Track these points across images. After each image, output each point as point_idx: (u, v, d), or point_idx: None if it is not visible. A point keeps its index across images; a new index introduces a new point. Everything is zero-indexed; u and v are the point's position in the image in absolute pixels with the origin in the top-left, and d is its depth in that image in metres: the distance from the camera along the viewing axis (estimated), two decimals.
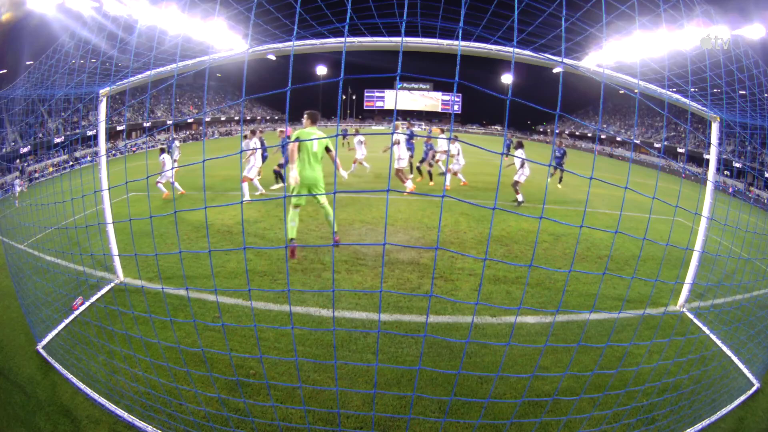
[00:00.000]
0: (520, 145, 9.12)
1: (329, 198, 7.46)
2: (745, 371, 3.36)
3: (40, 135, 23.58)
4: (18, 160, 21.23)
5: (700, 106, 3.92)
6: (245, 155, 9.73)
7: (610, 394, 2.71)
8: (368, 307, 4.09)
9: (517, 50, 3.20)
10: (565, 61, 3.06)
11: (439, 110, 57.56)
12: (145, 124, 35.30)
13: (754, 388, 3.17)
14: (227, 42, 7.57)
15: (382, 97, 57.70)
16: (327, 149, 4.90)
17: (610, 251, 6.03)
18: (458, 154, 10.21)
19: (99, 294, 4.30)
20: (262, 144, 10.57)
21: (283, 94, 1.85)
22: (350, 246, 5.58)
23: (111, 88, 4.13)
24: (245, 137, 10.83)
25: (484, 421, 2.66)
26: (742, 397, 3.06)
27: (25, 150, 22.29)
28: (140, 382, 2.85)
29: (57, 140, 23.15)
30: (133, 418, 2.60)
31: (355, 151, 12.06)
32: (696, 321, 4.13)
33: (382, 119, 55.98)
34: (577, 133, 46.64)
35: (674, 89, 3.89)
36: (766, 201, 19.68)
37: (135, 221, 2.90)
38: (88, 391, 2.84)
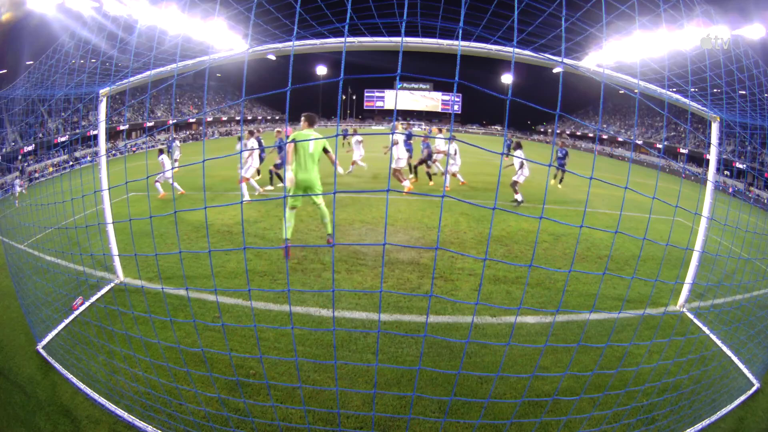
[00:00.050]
0: (518, 146, 9.11)
1: (327, 199, 7.47)
2: (745, 371, 3.36)
3: (40, 135, 23.58)
4: (18, 160, 21.24)
5: (700, 106, 3.92)
6: (243, 156, 9.77)
7: (610, 394, 2.71)
8: (368, 307, 4.09)
9: (517, 50, 3.20)
10: (565, 61, 3.06)
11: (439, 110, 57.55)
12: (148, 124, 35.33)
13: (754, 388, 3.17)
14: (227, 42, 7.58)
15: (382, 97, 57.69)
16: (325, 150, 4.90)
17: (610, 251, 6.03)
18: (455, 154, 10.16)
19: (99, 294, 4.30)
20: (260, 144, 10.59)
21: (283, 94, 1.85)
22: (350, 246, 5.58)
23: (111, 88, 4.13)
24: (240, 138, 10.84)
25: (484, 421, 2.66)
26: (742, 397, 3.06)
27: (30, 149, 22.32)
28: (140, 382, 2.85)
29: (61, 139, 23.15)
30: (133, 418, 2.60)
31: (353, 151, 12.07)
32: (696, 321, 4.13)
33: (382, 119, 55.97)
34: (578, 134, 46.62)
35: (674, 89, 3.89)
36: (766, 201, 19.68)
37: (135, 221, 2.90)
38: (88, 391, 2.84)
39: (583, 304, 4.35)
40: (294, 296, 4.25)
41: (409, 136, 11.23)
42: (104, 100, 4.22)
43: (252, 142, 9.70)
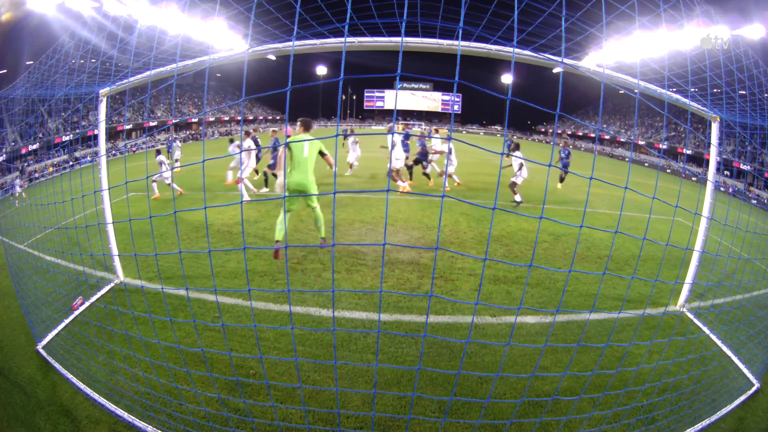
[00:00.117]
0: (517, 147, 9.11)
1: (327, 199, 7.47)
2: (745, 371, 3.36)
3: (41, 135, 23.59)
4: (18, 160, 21.24)
5: (700, 106, 3.92)
6: (241, 157, 9.80)
7: (610, 394, 2.71)
8: (368, 307, 4.09)
9: (517, 50, 3.20)
10: (565, 61, 3.06)
11: (439, 110, 57.54)
12: (151, 123, 35.38)
13: (754, 388, 3.17)
14: (227, 42, 7.58)
15: (382, 97, 57.68)
16: (321, 153, 4.92)
17: (610, 251, 6.03)
18: (451, 154, 10.09)
19: (99, 294, 4.30)
20: (257, 144, 10.61)
21: (283, 94, 1.85)
22: (350, 246, 5.58)
23: (111, 88, 4.13)
24: (231, 140, 10.88)
25: (484, 421, 2.66)
26: (742, 397, 3.06)
27: (33, 147, 22.33)
28: (140, 382, 2.85)
29: (65, 138, 23.14)
30: (133, 418, 2.60)
31: (349, 152, 12.03)
32: (696, 321, 4.13)
33: (382, 119, 55.94)
34: (579, 134, 46.61)
35: (674, 89, 3.89)
36: (766, 201, 19.68)
37: (135, 221, 2.90)
38: (88, 391, 2.84)
39: (583, 304, 4.35)
40: (294, 296, 4.25)
41: (406, 137, 11.19)
42: (104, 100, 4.22)
43: (248, 143, 9.71)
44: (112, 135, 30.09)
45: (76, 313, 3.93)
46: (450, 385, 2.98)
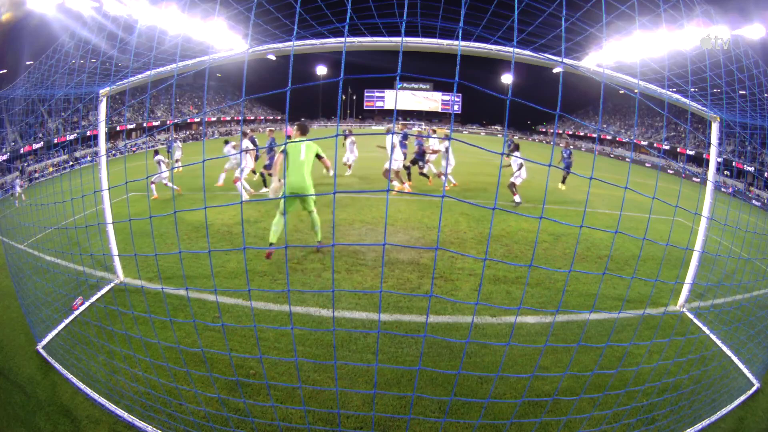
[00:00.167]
0: (516, 148, 9.10)
1: (327, 199, 7.47)
2: (745, 371, 3.36)
3: (41, 135, 23.59)
4: (19, 160, 21.25)
5: (700, 106, 3.92)
6: (237, 157, 9.86)
7: (610, 394, 2.71)
8: (368, 307, 4.09)
9: (517, 50, 3.20)
10: (565, 61, 3.06)
11: (439, 110, 57.55)
12: (153, 123, 35.43)
13: (754, 388, 3.17)
14: (227, 42, 7.58)
15: (382, 97, 57.70)
16: (318, 156, 4.96)
17: (610, 251, 6.03)
18: (447, 152, 9.99)
19: (99, 294, 4.30)
20: (255, 144, 10.65)
21: (283, 94, 1.85)
22: (350, 246, 5.58)
23: (111, 88, 4.13)
24: (226, 142, 10.91)
25: (484, 421, 2.66)
26: (742, 397, 3.06)
27: (37, 146, 22.33)
28: (140, 382, 2.85)
29: (70, 137, 23.15)
30: (133, 418, 2.60)
31: (346, 153, 12.00)
32: (696, 321, 4.13)
33: (382, 119, 55.98)
34: (580, 134, 46.58)
35: (674, 89, 3.89)
36: (766, 201, 19.68)
37: (135, 221, 2.90)
38: (88, 391, 2.84)
39: (583, 304, 4.35)
40: (294, 296, 4.25)
41: (404, 137, 11.17)
42: (104, 100, 4.22)
43: (246, 144, 9.73)
44: (112, 135, 30.13)
45: (76, 313, 3.93)
46: (450, 385, 2.98)
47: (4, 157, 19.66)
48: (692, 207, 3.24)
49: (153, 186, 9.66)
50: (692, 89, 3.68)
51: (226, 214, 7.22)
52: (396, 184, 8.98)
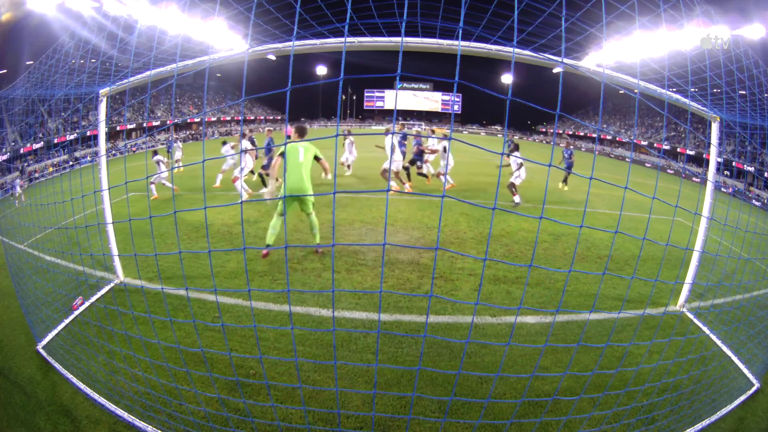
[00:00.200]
0: (516, 148, 9.10)
1: (327, 199, 7.47)
2: (745, 371, 3.36)
3: (41, 135, 23.60)
4: (19, 160, 21.26)
5: (700, 106, 3.92)
6: (236, 157, 9.92)
7: (610, 394, 2.71)
8: (368, 307, 4.09)
9: (517, 50, 3.20)
10: (565, 61, 3.06)
11: (439, 110, 57.57)
12: (153, 123, 35.46)
13: (754, 388, 3.17)
14: (227, 42, 7.58)
15: (382, 97, 57.72)
16: (317, 158, 4.98)
17: (610, 251, 6.03)
18: (444, 152, 9.92)
19: (99, 294, 4.30)
20: (253, 144, 10.68)
21: (283, 94, 1.85)
22: (350, 246, 5.58)
23: (111, 88, 4.13)
24: (224, 142, 10.95)
25: (484, 421, 2.66)
26: (742, 397, 3.06)
27: (38, 146, 22.35)
28: (140, 382, 2.85)
29: (70, 137, 23.18)
30: (133, 418, 2.60)
31: (344, 153, 11.98)
32: (696, 321, 4.13)
33: (382, 119, 55.99)
34: (580, 134, 46.57)
35: (674, 89, 3.89)
36: (766, 201, 19.69)
37: (135, 221, 2.90)
38: (88, 391, 2.84)
39: (583, 304, 4.35)
40: (294, 296, 4.25)
41: (403, 137, 11.16)
42: (104, 100, 4.22)
43: (245, 144, 9.76)
44: (112, 135, 30.14)
45: (76, 313, 3.93)
46: (450, 385, 2.98)
47: (5, 157, 19.68)
48: (692, 207, 3.24)
49: (152, 186, 9.67)
50: (692, 89, 3.68)
51: (226, 214, 7.22)
52: (393, 184, 9.01)
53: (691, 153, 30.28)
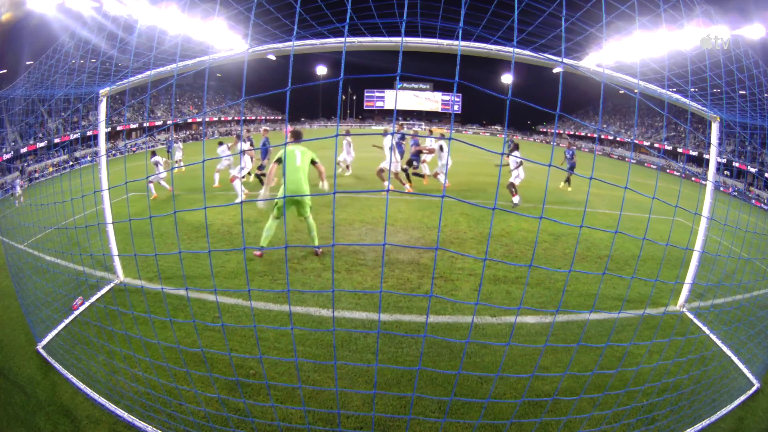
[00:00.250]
0: (516, 148, 9.09)
1: (327, 199, 7.47)
2: (745, 371, 3.36)
3: (41, 135, 23.60)
4: (19, 160, 21.26)
5: (700, 106, 3.92)
6: (235, 157, 9.98)
7: (610, 394, 2.71)
8: (368, 307, 4.09)
9: (517, 50, 3.20)
10: (565, 61, 3.06)
11: (439, 110, 57.57)
12: (156, 123, 35.52)
13: (754, 388, 3.17)
14: (227, 42, 7.58)
15: (382, 97, 57.72)
16: (313, 162, 5.04)
17: (610, 251, 6.03)
18: (441, 151, 9.75)
19: (99, 294, 4.30)
20: (252, 145, 10.71)
21: (283, 94, 1.85)
22: (350, 246, 5.58)
23: (111, 88, 4.13)
24: (220, 143, 10.98)
25: (484, 421, 2.66)
26: (742, 397, 3.06)
27: (41, 145, 22.36)
28: (140, 382, 2.85)
29: (73, 136, 23.18)
30: (133, 418, 2.60)
31: (342, 152, 11.96)
32: (696, 321, 4.13)
33: (382, 119, 55.98)
34: (581, 134, 46.54)
35: (674, 89, 3.89)
36: (766, 201, 19.69)
37: (135, 221, 2.90)
38: (88, 391, 2.84)
39: (583, 304, 4.35)
40: (294, 296, 4.25)
41: (402, 137, 11.14)
42: (104, 100, 4.22)
43: (243, 145, 9.80)
44: (112, 135, 30.16)
45: (76, 313, 3.93)
46: (450, 385, 2.98)
47: (8, 156, 19.69)
48: (692, 207, 3.24)
49: (151, 185, 9.69)
50: (692, 89, 3.68)
51: (226, 215, 7.22)
52: (386, 184, 9.07)
53: (694, 154, 30.21)
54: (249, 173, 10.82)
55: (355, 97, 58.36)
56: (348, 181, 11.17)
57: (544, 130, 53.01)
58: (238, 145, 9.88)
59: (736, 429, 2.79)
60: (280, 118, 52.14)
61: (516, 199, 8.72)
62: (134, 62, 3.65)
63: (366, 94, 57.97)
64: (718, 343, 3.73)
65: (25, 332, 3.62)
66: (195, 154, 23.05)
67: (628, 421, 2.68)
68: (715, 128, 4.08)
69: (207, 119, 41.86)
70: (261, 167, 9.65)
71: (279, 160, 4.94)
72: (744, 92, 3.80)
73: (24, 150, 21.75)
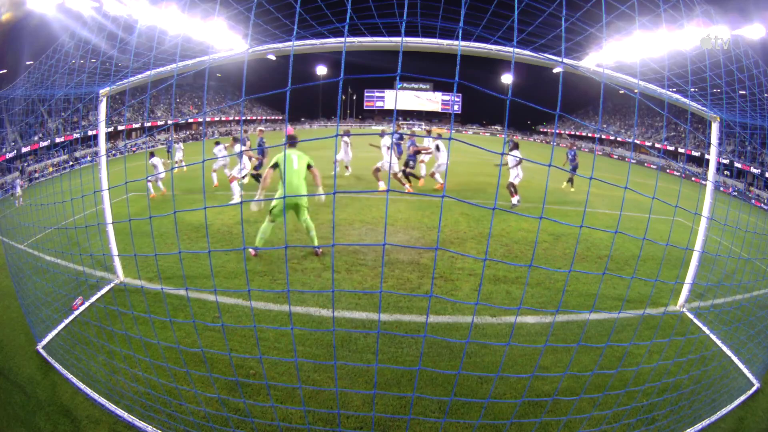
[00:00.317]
0: (516, 146, 9.08)
1: (327, 200, 7.47)
2: (745, 371, 3.36)
3: (41, 135, 23.60)
4: (19, 160, 21.27)
5: (700, 106, 3.92)
6: (221, 160, 10.04)
7: (610, 394, 2.71)
8: (368, 307, 4.09)
9: (517, 50, 3.20)
10: (565, 61, 3.06)
11: (439, 110, 57.57)
12: (158, 123, 35.56)
13: (754, 388, 3.17)
14: (227, 42, 7.58)
15: (382, 97, 57.72)
16: (309, 166, 5.09)
17: (610, 251, 6.03)
18: (438, 151, 9.75)
19: (99, 294, 4.30)
20: (248, 145, 10.73)
21: (283, 94, 1.85)
22: (350, 246, 5.58)
23: (111, 88, 4.13)
24: (217, 143, 11.00)
25: (484, 421, 2.66)
26: (742, 397, 3.06)
27: (44, 144, 22.36)
28: (140, 382, 2.85)
29: (76, 135, 23.17)
30: (133, 418, 2.60)
31: (340, 152, 11.92)
32: (696, 321, 4.13)
33: (382, 119, 55.99)
34: (581, 134, 46.52)
35: (674, 89, 3.89)
36: (766, 201, 19.69)
37: (135, 221, 2.90)
38: (88, 391, 2.84)
39: (583, 304, 4.35)
40: (294, 296, 4.25)
41: (400, 137, 11.12)
42: (104, 100, 4.22)
43: (238, 148, 9.81)
44: (113, 135, 30.17)
45: (76, 313, 3.93)
46: (450, 385, 2.98)
47: (12, 154, 19.69)
48: (692, 207, 3.24)
49: (149, 185, 9.71)
50: (692, 89, 3.68)
51: (226, 215, 7.22)
52: (382, 184, 9.14)
53: (696, 154, 30.12)
54: (248, 174, 10.84)
55: (355, 97, 58.38)
56: (348, 181, 11.17)
57: (544, 130, 53.00)
58: (234, 147, 9.90)
59: (736, 429, 2.79)
60: (280, 118, 52.13)
61: (515, 200, 8.71)
62: (134, 62, 3.65)
63: (366, 94, 57.97)
64: (718, 343, 3.73)
65: (25, 332, 3.62)
66: (195, 154, 23.04)
67: (628, 421, 2.68)
68: (715, 128, 4.08)
69: (207, 119, 41.86)
70: (257, 167, 9.66)
71: (274, 166, 4.98)
72: (744, 92, 3.80)
73: (26, 149, 21.76)
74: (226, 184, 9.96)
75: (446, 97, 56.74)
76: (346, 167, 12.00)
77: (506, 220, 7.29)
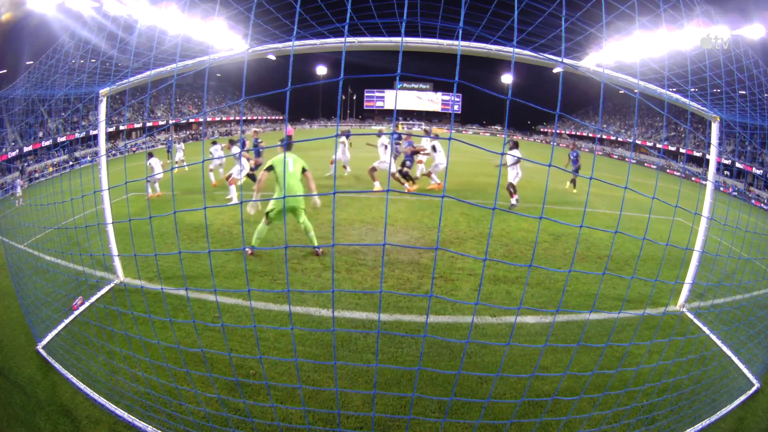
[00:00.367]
0: (515, 146, 9.07)
1: (328, 199, 7.47)
2: (745, 371, 3.36)
3: (41, 135, 23.60)
4: (19, 160, 21.27)
5: (700, 106, 3.92)
6: (217, 160, 10.10)
7: (610, 394, 2.71)
8: (368, 307, 4.09)
9: (517, 50, 3.20)
10: (565, 61, 3.06)
11: (440, 110, 57.57)
12: (159, 123, 35.60)
13: (754, 388, 3.17)
14: (227, 42, 7.58)
15: (382, 97, 57.72)
16: (303, 170, 5.12)
17: (610, 251, 6.03)
18: (435, 151, 9.72)
19: (99, 294, 4.30)
20: (244, 146, 10.77)
21: (283, 94, 1.85)
22: (350, 246, 5.58)
23: (111, 88, 4.13)
24: (213, 143, 11.02)
25: (484, 421, 2.66)
26: (742, 397, 3.06)
27: (46, 144, 22.37)
28: (140, 382, 2.85)
29: (78, 135, 23.16)
30: (133, 418, 2.60)
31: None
32: (696, 321, 4.13)
33: (382, 119, 55.99)
34: (582, 134, 46.50)
35: (674, 89, 3.89)
36: (766, 201, 19.69)
37: (135, 221, 2.90)
38: (88, 391, 2.84)
39: (583, 304, 4.35)
40: (294, 296, 4.25)
41: (398, 137, 11.09)
42: (104, 100, 4.22)
43: (236, 149, 9.83)
44: (113, 135, 30.18)
45: (76, 313, 3.93)
46: (450, 385, 2.98)
47: (13, 154, 19.69)
48: (692, 207, 3.24)
49: (148, 185, 9.72)
50: (692, 89, 3.68)
51: (226, 215, 7.22)
52: (377, 184, 9.19)
53: (698, 155, 30.06)
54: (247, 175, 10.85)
55: (355, 97, 58.38)
56: (347, 182, 11.17)
57: (545, 130, 52.98)
58: (232, 149, 9.95)
59: (736, 429, 2.79)
60: (280, 118, 52.12)
61: (514, 200, 8.71)
62: (134, 62, 3.64)
63: (366, 94, 57.97)
64: (718, 343, 3.73)
65: (25, 332, 3.62)
66: (195, 154, 23.03)
67: (628, 421, 2.68)
68: (715, 128, 4.08)
69: (207, 119, 41.86)
70: (254, 168, 9.66)
71: (269, 168, 5.00)
72: (744, 92, 3.80)
73: (27, 149, 21.76)
74: (225, 184, 9.97)
75: (446, 97, 56.74)
76: (345, 167, 12.00)
77: (506, 220, 7.29)
